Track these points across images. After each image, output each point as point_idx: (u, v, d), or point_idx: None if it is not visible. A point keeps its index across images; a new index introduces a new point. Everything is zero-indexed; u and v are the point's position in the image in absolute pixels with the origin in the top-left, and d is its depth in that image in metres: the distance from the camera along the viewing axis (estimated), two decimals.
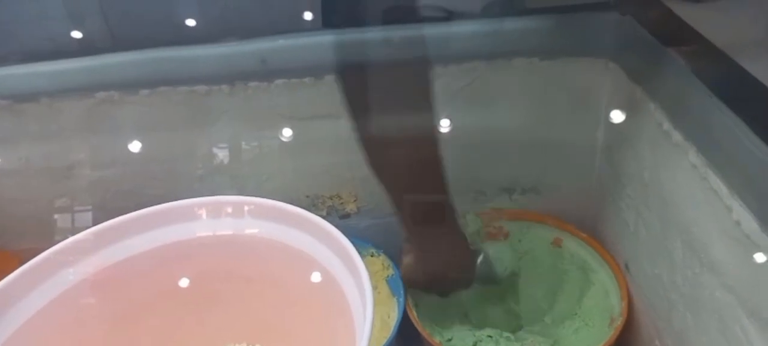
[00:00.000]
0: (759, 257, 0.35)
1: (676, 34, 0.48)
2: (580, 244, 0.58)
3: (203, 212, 0.46)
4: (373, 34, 0.54)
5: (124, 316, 0.45)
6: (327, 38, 0.54)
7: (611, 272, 0.55)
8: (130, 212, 0.45)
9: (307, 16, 0.55)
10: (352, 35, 0.56)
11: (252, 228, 0.45)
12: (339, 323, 0.38)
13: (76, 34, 0.55)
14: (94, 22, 0.56)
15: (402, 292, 0.55)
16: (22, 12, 0.58)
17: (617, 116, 0.53)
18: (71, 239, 0.43)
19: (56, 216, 0.63)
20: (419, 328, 0.52)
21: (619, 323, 0.51)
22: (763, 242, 0.35)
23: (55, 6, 0.57)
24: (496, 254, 0.57)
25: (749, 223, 0.36)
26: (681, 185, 0.44)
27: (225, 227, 0.46)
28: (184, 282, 0.47)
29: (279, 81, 0.54)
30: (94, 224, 0.45)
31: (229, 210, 0.45)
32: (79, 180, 0.61)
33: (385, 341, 0.51)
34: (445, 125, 0.57)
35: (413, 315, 0.53)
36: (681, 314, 0.45)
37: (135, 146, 0.58)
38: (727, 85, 0.41)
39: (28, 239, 0.62)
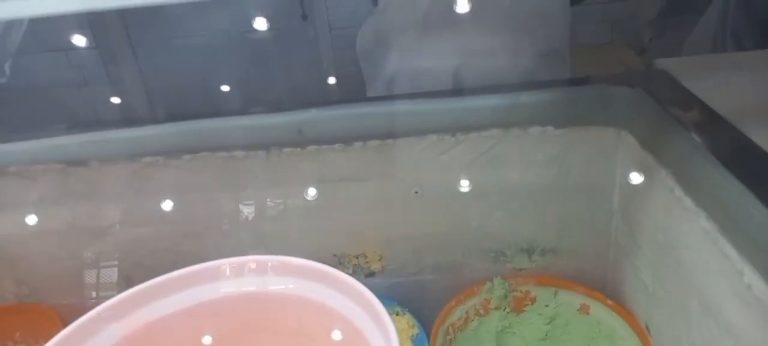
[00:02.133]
0: None
1: (683, 105, 0.51)
2: (608, 311, 0.59)
3: (230, 270, 0.48)
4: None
5: None
6: (356, 109, 0.58)
7: (639, 340, 0.55)
8: (165, 268, 0.47)
9: (337, 89, 0.60)
10: (377, 107, 0.60)
11: (277, 285, 0.47)
12: None
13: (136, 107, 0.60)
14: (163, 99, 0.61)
15: None
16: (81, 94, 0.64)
17: (631, 181, 0.55)
18: (104, 304, 0.45)
19: (93, 273, 0.67)
20: None
21: None
22: None
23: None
24: None
25: (760, 286, 0.37)
26: (694, 249, 0.46)
27: (250, 284, 0.48)
28: (211, 339, 0.49)
29: (311, 147, 0.58)
30: (129, 280, 0.48)
31: (254, 267, 0.47)
32: (118, 238, 0.65)
33: None
34: (465, 189, 0.61)
35: None
36: None
37: (174, 206, 0.62)
38: (733, 154, 0.43)
39: (65, 295, 0.65)
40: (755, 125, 0.45)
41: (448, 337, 0.60)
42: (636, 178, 0.54)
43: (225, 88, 0.60)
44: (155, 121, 0.58)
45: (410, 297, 0.63)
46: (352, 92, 0.61)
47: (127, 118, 0.60)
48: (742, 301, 0.39)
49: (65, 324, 0.43)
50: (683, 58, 0.62)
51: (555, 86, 0.57)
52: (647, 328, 0.56)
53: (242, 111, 0.58)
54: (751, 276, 0.38)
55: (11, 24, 0.62)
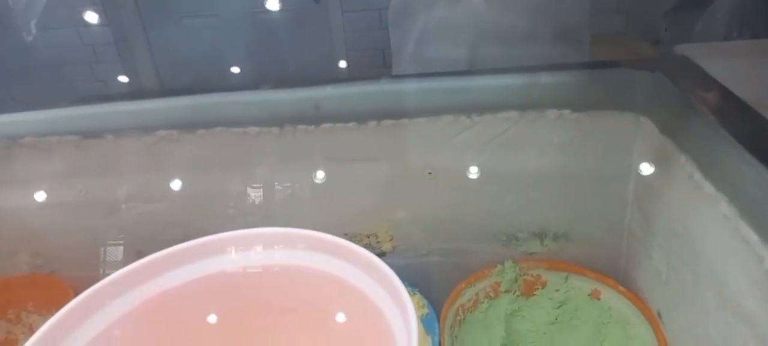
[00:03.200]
0: None
1: (704, 89, 0.50)
2: (619, 297, 0.59)
3: (237, 245, 0.48)
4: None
5: None
6: (370, 87, 0.58)
7: (651, 327, 0.55)
8: (176, 243, 0.46)
9: (348, 72, 0.59)
10: (392, 86, 0.60)
11: (289, 258, 0.47)
12: None
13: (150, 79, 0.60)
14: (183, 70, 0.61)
15: (437, 331, 0.56)
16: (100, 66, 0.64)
17: (648, 167, 0.55)
18: (108, 277, 0.44)
19: (107, 247, 0.67)
20: None
21: None
22: None
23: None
24: None
25: None
26: (712, 236, 0.45)
27: (263, 258, 0.48)
28: (222, 314, 0.49)
29: (325, 125, 0.58)
30: (140, 254, 0.48)
31: (262, 242, 0.47)
32: (132, 212, 0.65)
33: None
34: (478, 171, 0.60)
35: None
36: None
37: (186, 181, 0.62)
38: (756, 138, 0.42)
39: (79, 268, 0.65)
40: None
41: (458, 318, 0.60)
42: (654, 164, 0.54)
43: (239, 65, 0.59)
44: (169, 94, 0.58)
45: (420, 278, 0.63)
46: (365, 74, 0.60)
47: (141, 91, 0.60)
48: (761, 288, 0.39)
49: (78, 296, 0.43)
50: (704, 43, 0.61)
51: (573, 69, 0.56)
52: (659, 315, 0.55)
53: (257, 87, 0.58)
54: None
55: None
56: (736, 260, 0.42)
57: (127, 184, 0.63)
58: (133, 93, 0.60)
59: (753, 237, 0.40)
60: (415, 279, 0.63)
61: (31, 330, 0.65)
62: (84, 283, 0.45)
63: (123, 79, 0.56)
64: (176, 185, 0.62)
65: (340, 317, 0.46)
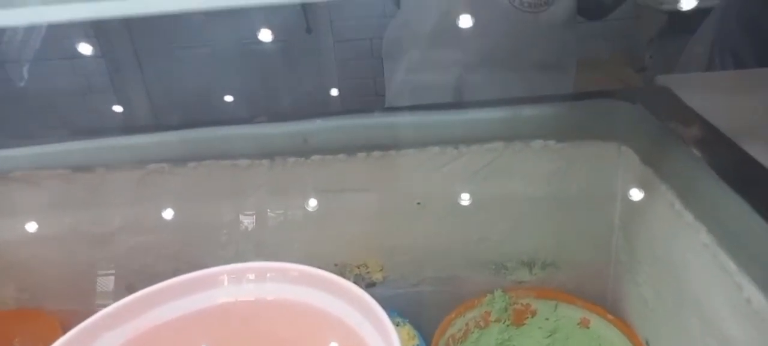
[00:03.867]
0: None
1: (683, 120, 0.51)
2: (608, 325, 0.59)
3: (230, 277, 0.48)
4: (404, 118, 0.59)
5: None
6: (360, 120, 0.59)
7: None
8: (167, 276, 0.47)
9: (341, 100, 0.60)
10: (381, 118, 0.61)
11: (279, 292, 0.47)
12: None
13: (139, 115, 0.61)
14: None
15: None
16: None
17: (631, 196, 0.56)
18: (102, 311, 0.44)
19: (94, 279, 0.67)
20: None
21: None
22: None
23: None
24: None
25: (759, 300, 0.38)
26: (694, 264, 0.46)
27: (254, 292, 0.48)
28: (218, 344, 0.49)
29: (315, 157, 0.59)
30: (131, 287, 0.48)
31: (253, 276, 0.47)
32: (121, 245, 0.65)
33: None
34: (466, 201, 0.61)
35: None
36: None
37: (177, 214, 0.62)
38: (733, 169, 0.44)
39: (66, 301, 0.65)
40: (756, 142, 0.46)
41: None
42: (636, 193, 0.55)
43: (230, 98, 0.60)
44: (161, 128, 0.59)
45: (410, 308, 0.63)
46: (356, 104, 0.61)
47: (132, 125, 0.61)
48: (741, 315, 0.40)
49: (65, 331, 0.43)
50: (684, 75, 0.63)
51: (557, 100, 0.58)
52: (647, 343, 0.56)
53: (247, 120, 0.58)
54: (749, 290, 0.38)
55: (31, 30, 0.63)
56: (717, 288, 0.43)
57: (117, 216, 0.63)
58: (125, 127, 0.61)
59: (731, 266, 0.40)
60: (405, 309, 0.63)
61: None
62: (72, 317, 0.45)
63: (117, 109, 0.57)
64: (167, 216, 0.63)
65: None
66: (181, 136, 0.58)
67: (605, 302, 0.62)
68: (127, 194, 0.62)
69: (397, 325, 0.62)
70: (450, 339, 0.60)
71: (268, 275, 0.48)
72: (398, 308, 0.63)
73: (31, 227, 0.65)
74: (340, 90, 0.56)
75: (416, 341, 0.60)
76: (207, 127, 0.58)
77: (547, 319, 0.62)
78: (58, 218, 0.64)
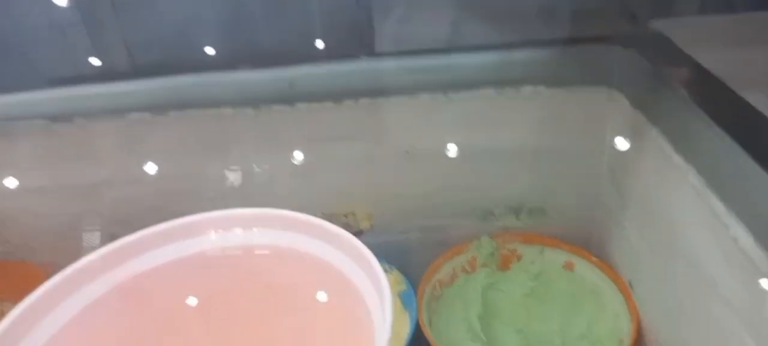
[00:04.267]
0: (755, 273, 0.37)
1: (676, 64, 0.51)
2: (592, 268, 0.60)
3: (216, 225, 0.48)
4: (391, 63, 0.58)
5: (142, 330, 0.46)
6: (347, 66, 0.58)
7: (622, 296, 0.57)
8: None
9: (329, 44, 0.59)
10: (369, 64, 0.59)
11: (268, 238, 0.47)
12: (358, 331, 0.40)
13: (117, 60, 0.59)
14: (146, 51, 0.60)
15: (415, 307, 0.57)
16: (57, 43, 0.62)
17: (621, 141, 0.56)
18: (85, 258, 0.43)
19: (80, 232, 0.66)
20: (432, 343, 0.54)
21: (627, 344, 0.53)
22: (758, 257, 0.37)
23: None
24: None
25: (746, 239, 0.38)
26: (681, 206, 0.46)
27: (242, 239, 0.48)
28: (201, 295, 0.49)
29: (301, 105, 0.57)
30: (115, 238, 0.47)
31: (241, 222, 0.47)
32: (105, 196, 0.64)
33: None
34: (455, 148, 0.61)
35: (427, 331, 0.55)
36: (683, 331, 0.47)
37: (161, 164, 0.61)
38: (724, 111, 0.44)
39: (52, 254, 0.64)
40: (747, 84, 0.46)
41: (435, 293, 0.61)
42: (627, 137, 0.55)
43: (211, 42, 0.58)
44: (140, 75, 0.57)
45: (398, 255, 0.64)
46: (343, 49, 0.59)
47: (111, 72, 0.59)
48: (727, 254, 0.40)
49: None
50: (678, 19, 0.62)
51: (548, 45, 0.57)
52: (631, 284, 0.57)
53: (231, 66, 0.57)
54: (737, 229, 0.39)
55: None
56: (704, 230, 0.43)
57: (100, 168, 0.62)
58: (103, 75, 0.59)
59: (719, 207, 0.41)
60: (393, 256, 0.64)
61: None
62: (55, 269, 0.44)
63: (93, 60, 0.54)
64: (150, 168, 0.61)
65: (319, 297, 0.47)
66: (163, 83, 0.56)
67: (591, 246, 0.62)
68: (109, 144, 0.61)
69: (384, 271, 0.62)
70: (437, 283, 0.61)
71: (255, 221, 0.47)
72: (386, 256, 0.64)
73: (12, 178, 0.63)
74: (326, 35, 0.54)
75: (404, 286, 0.61)
76: (188, 74, 0.56)
77: (532, 263, 0.63)
78: (38, 170, 0.63)
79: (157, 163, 0.61)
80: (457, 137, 0.59)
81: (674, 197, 0.47)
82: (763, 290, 0.37)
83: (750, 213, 0.38)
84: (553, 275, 0.62)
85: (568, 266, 0.62)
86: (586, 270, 0.61)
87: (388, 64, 0.58)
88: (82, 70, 0.61)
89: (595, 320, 0.59)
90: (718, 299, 0.42)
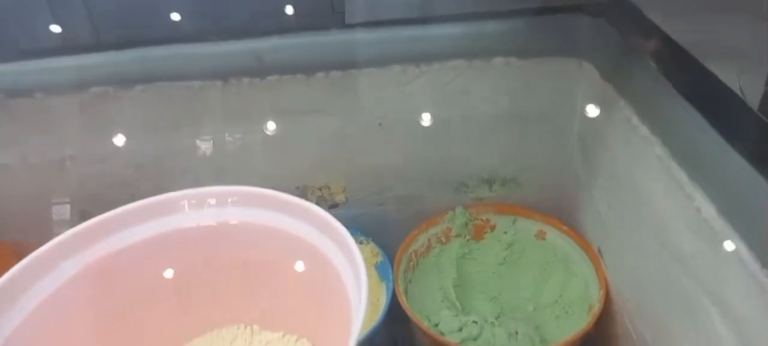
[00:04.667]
0: (717, 241, 0.39)
1: (644, 35, 0.51)
2: (563, 237, 0.62)
3: (190, 203, 0.47)
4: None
5: (118, 307, 0.46)
6: (318, 38, 0.56)
7: (591, 263, 0.58)
8: (123, 203, 0.46)
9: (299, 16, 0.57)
10: (340, 36, 0.58)
11: (242, 216, 0.47)
12: (334, 303, 0.41)
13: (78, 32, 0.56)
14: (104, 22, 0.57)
15: (391, 278, 0.58)
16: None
17: (590, 112, 0.56)
18: (60, 236, 0.43)
19: (48, 209, 0.64)
20: (408, 312, 0.55)
21: (596, 310, 0.54)
22: (720, 227, 0.38)
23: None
24: None
25: (708, 209, 0.39)
26: (648, 176, 0.47)
27: (214, 216, 0.47)
28: (177, 271, 0.49)
29: (271, 77, 0.56)
30: (85, 215, 0.46)
31: (215, 200, 0.47)
32: (72, 173, 0.62)
33: (374, 323, 0.54)
34: (427, 120, 0.60)
35: (403, 301, 0.56)
36: (649, 296, 0.49)
37: (129, 140, 0.60)
38: (690, 84, 0.44)
39: (20, 232, 0.63)
40: (713, 56, 0.46)
41: (411, 263, 0.61)
42: (595, 108, 0.55)
43: (179, 13, 0.56)
44: (105, 48, 0.55)
45: (373, 227, 0.64)
46: (313, 20, 0.58)
47: (73, 45, 0.57)
48: (690, 224, 0.41)
49: (19, 260, 0.42)
50: None
51: (519, 16, 0.56)
52: (600, 251, 0.58)
53: (198, 38, 0.55)
54: (700, 200, 0.40)
55: None
56: (669, 199, 0.44)
57: (65, 144, 0.60)
58: (65, 47, 0.57)
59: (683, 177, 0.42)
60: (368, 228, 0.64)
61: None
62: (25, 248, 0.43)
63: (55, 30, 0.52)
64: (118, 143, 0.60)
65: (294, 271, 0.47)
66: (127, 56, 0.55)
67: (562, 215, 0.63)
68: (71, 119, 0.59)
69: (360, 243, 0.63)
70: (413, 254, 0.62)
71: (229, 199, 0.47)
72: (361, 228, 0.64)
73: None
74: (296, 5, 0.53)
75: (380, 258, 0.61)
76: (154, 46, 0.55)
77: (505, 233, 0.64)
78: (2, 147, 0.61)
79: (124, 138, 0.60)
80: (430, 109, 0.59)
81: (640, 168, 0.48)
82: (723, 259, 0.38)
83: (713, 184, 0.39)
84: (526, 244, 0.64)
85: (540, 236, 0.63)
86: (557, 239, 0.62)
87: (359, 36, 0.57)
88: (42, 42, 0.58)
89: (565, 287, 0.60)
90: (681, 267, 0.43)
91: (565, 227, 0.62)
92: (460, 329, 0.56)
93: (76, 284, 0.44)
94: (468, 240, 0.65)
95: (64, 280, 0.44)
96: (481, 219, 0.65)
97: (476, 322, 0.57)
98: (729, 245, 0.37)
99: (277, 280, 0.47)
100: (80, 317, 0.45)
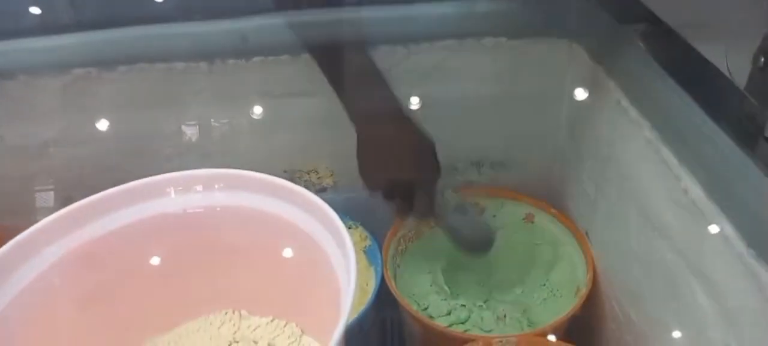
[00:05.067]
0: (703, 222, 0.39)
1: (634, 16, 0.51)
2: (551, 220, 0.62)
3: (176, 187, 0.46)
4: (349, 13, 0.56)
5: (103, 293, 0.45)
6: (304, 17, 0.55)
7: (579, 246, 0.59)
8: (108, 187, 0.45)
9: None
10: (327, 15, 0.57)
11: (229, 199, 0.46)
12: (322, 287, 0.41)
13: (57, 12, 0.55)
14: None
15: (380, 262, 0.57)
16: None
17: (579, 94, 0.56)
18: (43, 221, 0.43)
19: (31, 193, 0.63)
20: (397, 296, 0.55)
21: (583, 292, 0.55)
22: (707, 207, 0.39)
23: None
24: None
25: (696, 190, 0.39)
26: (636, 158, 0.47)
27: (203, 199, 0.47)
28: (163, 256, 0.48)
29: (256, 59, 0.55)
30: (69, 200, 0.45)
31: (202, 183, 0.46)
32: (56, 156, 0.61)
33: (363, 307, 0.53)
34: (417, 102, 0.60)
35: (392, 285, 0.56)
36: (635, 277, 0.49)
37: (113, 123, 0.59)
38: (679, 65, 0.44)
39: (4, 216, 0.61)
40: (703, 37, 0.46)
41: (400, 248, 0.61)
42: (585, 90, 0.55)
43: None
44: (84, 27, 0.54)
45: (362, 212, 0.64)
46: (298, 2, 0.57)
47: (52, 25, 0.55)
48: (677, 204, 0.41)
49: (2, 245, 0.41)
50: None
51: None
52: (587, 234, 0.58)
53: (181, 17, 0.54)
54: (687, 180, 0.40)
55: None
56: (657, 181, 0.44)
57: (47, 127, 0.59)
58: (44, 27, 0.55)
59: (672, 159, 0.42)
60: (357, 213, 0.64)
61: None
62: (8, 233, 0.43)
63: (33, 11, 0.50)
64: (101, 126, 0.59)
65: (283, 255, 0.47)
66: (108, 36, 0.53)
67: (551, 198, 0.64)
68: (54, 102, 0.57)
69: (349, 228, 0.62)
70: (402, 239, 0.62)
71: (216, 182, 0.46)
72: (350, 212, 0.63)
73: None
74: None
75: (369, 242, 0.61)
76: (135, 25, 0.53)
77: (494, 216, 0.64)
78: None
79: (108, 121, 0.59)
80: (418, 90, 0.59)
81: (629, 150, 0.48)
82: (710, 239, 0.38)
83: (700, 165, 0.39)
84: (514, 228, 0.64)
85: (529, 219, 0.63)
86: (545, 222, 0.62)
87: (346, 16, 0.57)
88: (23, 21, 0.57)
89: (553, 269, 0.60)
90: (669, 248, 0.44)
91: (553, 210, 0.62)
92: (449, 313, 0.56)
93: (60, 270, 0.43)
94: None
95: (47, 265, 0.43)
96: (470, 202, 0.64)
97: (464, 305, 0.57)
98: (715, 225, 0.37)
99: (265, 264, 0.47)
100: (64, 303, 0.45)
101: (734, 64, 0.43)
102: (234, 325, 0.48)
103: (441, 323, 0.55)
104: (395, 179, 0.53)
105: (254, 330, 0.48)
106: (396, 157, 0.51)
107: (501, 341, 0.49)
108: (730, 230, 0.36)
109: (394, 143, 0.51)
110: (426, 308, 0.57)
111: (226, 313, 0.49)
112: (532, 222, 0.63)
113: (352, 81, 0.50)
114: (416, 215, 0.56)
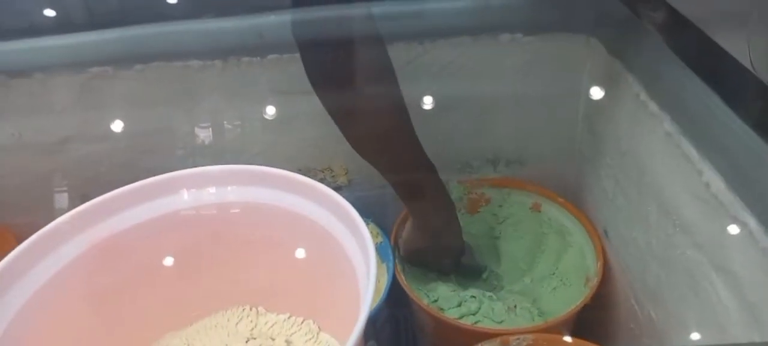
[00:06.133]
0: (725, 216, 0.38)
1: (652, 9, 0.50)
2: (558, 208, 0.61)
3: (192, 183, 0.46)
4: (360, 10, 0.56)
5: (119, 290, 0.45)
6: (315, 13, 0.55)
7: (587, 234, 0.58)
8: (123, 184, 0.45)
9: None
10: (332, 11, 0.57)
11: (246, 195, 0.46)
12: (340, 284, 0.40)
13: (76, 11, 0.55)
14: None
15: (391, 258, 0.57)
16: None
17: (597, 89, 0.56)
18: (59, 218, 0.42)
19: (48, 190, 0.64)
20: (408, 290, 0.55)
21: (594, 282, 0.54)
22: (729, 201, 0.38)
23: None
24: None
25: (717, 184, 0.39)
26: (656, 152, 0.47)
27: (217, 196, 0.47)
28: (179, 252, 0.48)
29: (271, 56, 0.55)
30: (85, 197, 0.45)
31: (218, 179, 0.46)
32: (72, 154, 0.61)
33: (375, 303, 0.53)
34: (432, 99, 0.60)
35: (402, 279, 0.56)
36: (655, 274, 0.49)
37: (128, 120, 0.59)
38: (700, 58, 0.43)
39: (20, 213, 0.62)
40: (723, 29, 0.45)
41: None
42: (603, 84, 0.55)
43: None
44: (100, 26, 0.54)
45: (375, 209, 0.63)
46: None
47: (67, 23, 0.55)
48: (699, 199, 0.41)
49: (19, 243, 0.41)
50: None
51: None
52: (606, 232, 0.58)
53: (196, 15, 0.54)
54: (709, 174, 0.39)
55: None
56: (678, 175, 0.44)
57: (63, 125, 0.60)
58: (59, 26, 0.56)
59: (693, 153, 0.41)
60: (370, 210, 0.63)
61: None
62: (25, 229, 0.43)
63: (48, 12, 0.51)
64: (117, 124, 0.59)
65: (299, 251, 0.46)
66: (124, 34, 0.54)
67: (567, 195, 0.63)
68: (71, 100, 0.58)
69: None
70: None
71: (232, 178, 0.46)
72: (363, 209, 0.63)
73: None
74: None
75: (381, 239, 0.61)
76: (151, 23, 0.53)
77: (500, 206, 0.64)
78: (1, 127, 0.60)
79: (123, 119, 0.59)
80: (434, 87, 0.58)
81: (649, 144, 0.48)
82: (732, 234, 0.38)
83: (722, 159, 0.39)
84: (521, 217, 0.63)
85: (535, 208, 0.63)
86: (552, 210, 0.62)
87: (360, 12, 0.56)
88: (40, 20, 0.57)
89: (561, 258, 0.60)
90: (689, 243, 0.43)
91: (560, 199, 0.61)
92: (460, 305, 0.56)
93: (77, 267, 0.43)
94: (463, 214, 0.64)
95: (64, 263, 0.43)
96: (476, 193, 0.64)
97: (475, 296, 0.57)
98: (738, 220, 0.37)
99: (283, 260, 0.47)
100: (81, 300, 0.45)
101: (757, 56, 0.42)
102: (251, 321, 0.48)
103: (452, 315, 0.54)
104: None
105: (271, 327, 0.48)
106: (436, 248, 0.57)
107: (517, 338, 0.48)
108: (754, 225, 0.35)
109: (442, 237, 0.56)
110: (436, 301, 0.57)
111: (243, 309, 0.49)
112: (539, 211, 0.63)
113: (411, 181, 0.54)
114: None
